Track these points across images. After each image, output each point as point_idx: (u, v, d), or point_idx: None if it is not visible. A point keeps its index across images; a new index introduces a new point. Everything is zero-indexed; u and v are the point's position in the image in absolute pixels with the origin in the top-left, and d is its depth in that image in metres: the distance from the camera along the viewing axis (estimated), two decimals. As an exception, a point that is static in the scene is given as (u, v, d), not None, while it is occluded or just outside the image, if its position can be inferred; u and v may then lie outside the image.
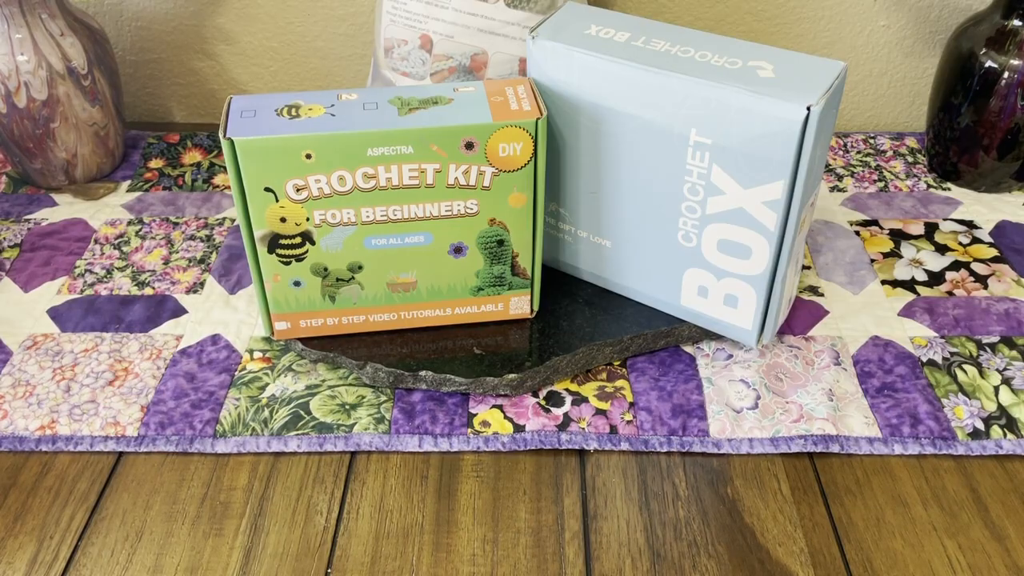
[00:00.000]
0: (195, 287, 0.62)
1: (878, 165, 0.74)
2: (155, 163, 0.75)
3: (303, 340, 0.55)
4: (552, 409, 0.53)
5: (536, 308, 0.57)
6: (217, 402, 0.53)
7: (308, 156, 0.47)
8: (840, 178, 0.73)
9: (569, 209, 0.56)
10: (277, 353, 0.56)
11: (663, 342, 0.56)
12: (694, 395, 0.53)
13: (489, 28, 0.59)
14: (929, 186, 0.72)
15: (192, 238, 0.66)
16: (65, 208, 0.69)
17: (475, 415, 0.52)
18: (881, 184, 0.72)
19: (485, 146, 0.49)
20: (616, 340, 0.55)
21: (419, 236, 0.52)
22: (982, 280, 0.62)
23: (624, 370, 0.55)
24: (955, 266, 0.63)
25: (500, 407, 0.53)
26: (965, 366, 0.56)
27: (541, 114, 0.48)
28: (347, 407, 0.53)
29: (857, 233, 0.67)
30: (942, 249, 0.65)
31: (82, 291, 0.61)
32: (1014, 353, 0.56)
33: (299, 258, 0.51)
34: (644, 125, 0.50)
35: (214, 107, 0.84)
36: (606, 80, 0.50)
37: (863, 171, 0.73)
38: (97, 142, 0.71)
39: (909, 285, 0.62)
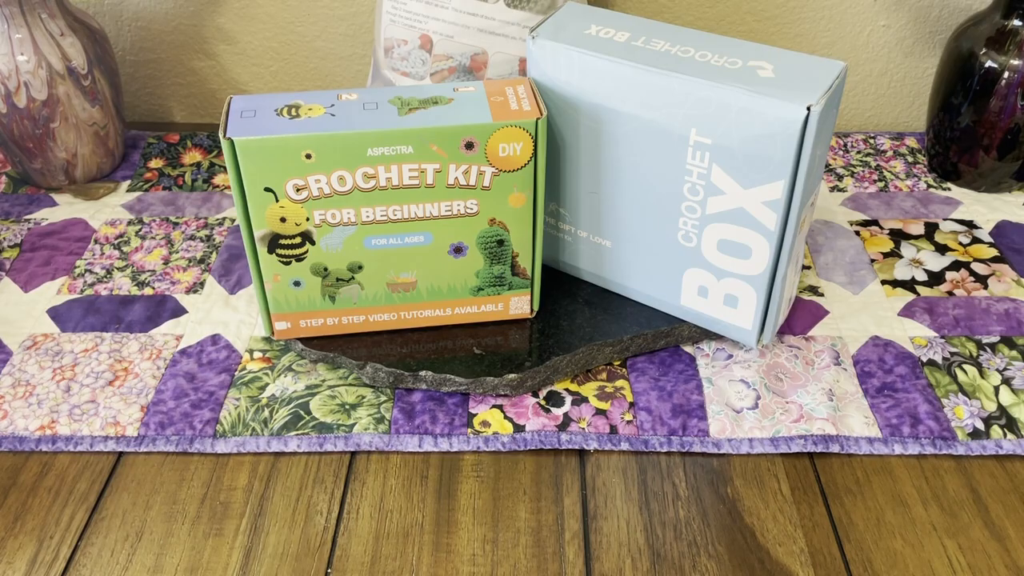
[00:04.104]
0: (195, 287, 0.62)
1: (878, 165, 0.74)
2: (155, 163, 0.75)
3: (303, 340, 0.55)
4: (552, 409, 0.53)
5: (536, 308, 0.57)
6: (217, 402, 0.53)
7: (308, 156, 0.47)
8: (840, 178, 0.73)
9: (569, 209, 0.56)
10: (277, 353, 0.56)
11: (663, 342, 0.56)
12: (694, 395, 0.53)
13: (489, 28, 0.59)
14: (929, 186, 0.72)
15: (192, 238, 0.66)
16: (65, 208, 0.69)
17: (475, 415, 0.52)
18: (881, 184, 0.72)
19: (485, 146, 0.49)
20: (616, 340, 0.55)
21: (419, 236, 0.52)
22: (982, 280, 0.62)
23: (624, 370, 0.55)
24: (955, 266, 0.63)
25: (500, 407, 0.53)
26: (965, 366, 0.56)
27: (541, 114, 0.48)
28: (347, 407, 0.53)
29: (857, 233, 0.67)
30: (942, 249, 0.65)
31: (82, 291, 0.61)
32: (1014, 353, 0.56)
33: (299, 258, 0.51)
34: (644, 125, 0.50)
35: (214, 107, 0.84)
36: (606, 80, 0.50)
37: (863, 171, 0.73)
38: (97, 142, 0.71)
39: (909, 285, 0.62)
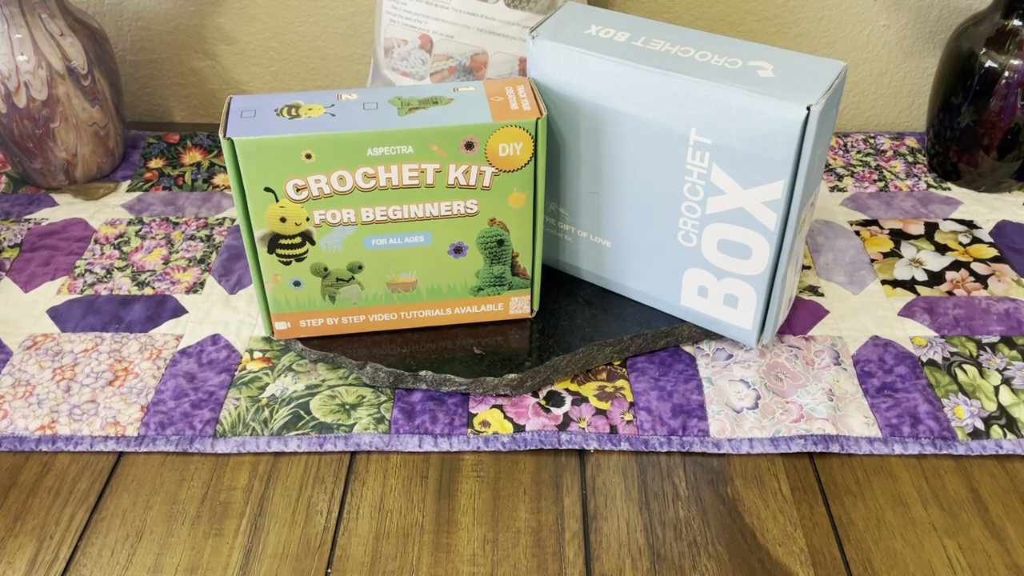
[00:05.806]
0: (195, 287, 0.62)
1: (878, 165, 0.74)
2: (155, 163, 0.75)
3: (303, 340, 0.55)
4: (552, 409, 0.53)
5: (536, 308, 0.57)
6: (217, 402, 0.53)
7: (308, 156, 0.47)
8: (840, 178, 0.73)
9: (569, 209, 0.56)
10: (277, 353, 0.56)
11: (663, 342, 0.56)
12: (694, 395, 0.53)
13: (489, 28, 0.59)
14: (929, 186, 0.72)
15: (192, 238, 0.66)
16: (65, 208, 0.69)
17: (475, 415, 0.52)
18: (881, 184, 0.72)
19: (485, 146, 0.49)
20: (616, 340, 0.55)
21: (419, 236, 0.52)
22: (982, 280, 0.62)
23: (624, 370, 0.55)
24: (955, 266, 0.63)
25: (500, 407, 0.53)
26: (965, 366, 0.56)
27: (541, 114, 0.48)
28: (347, 407, 0.53)
29: (857, 233, 0.67)
30: (942, 249, 0.65)
31: (82, 291, 0.61)
32: (1014, 353, 0.56)
33: (299, 258, 0.51)
34: (644, 125, 0.50)
35: (214, 107, 0.84)
36: (606, 80, 0.50)
37: (863, 171, 0.73)
38: (97, 142, 0.71)
39: (909, 285, 0.62)
